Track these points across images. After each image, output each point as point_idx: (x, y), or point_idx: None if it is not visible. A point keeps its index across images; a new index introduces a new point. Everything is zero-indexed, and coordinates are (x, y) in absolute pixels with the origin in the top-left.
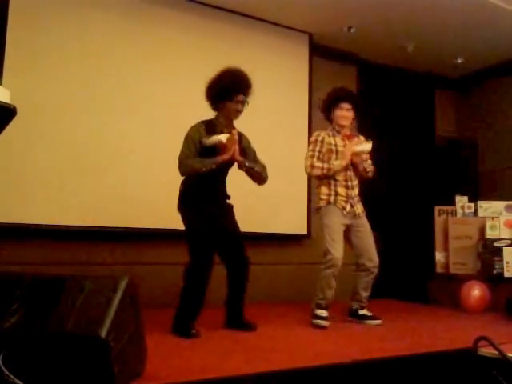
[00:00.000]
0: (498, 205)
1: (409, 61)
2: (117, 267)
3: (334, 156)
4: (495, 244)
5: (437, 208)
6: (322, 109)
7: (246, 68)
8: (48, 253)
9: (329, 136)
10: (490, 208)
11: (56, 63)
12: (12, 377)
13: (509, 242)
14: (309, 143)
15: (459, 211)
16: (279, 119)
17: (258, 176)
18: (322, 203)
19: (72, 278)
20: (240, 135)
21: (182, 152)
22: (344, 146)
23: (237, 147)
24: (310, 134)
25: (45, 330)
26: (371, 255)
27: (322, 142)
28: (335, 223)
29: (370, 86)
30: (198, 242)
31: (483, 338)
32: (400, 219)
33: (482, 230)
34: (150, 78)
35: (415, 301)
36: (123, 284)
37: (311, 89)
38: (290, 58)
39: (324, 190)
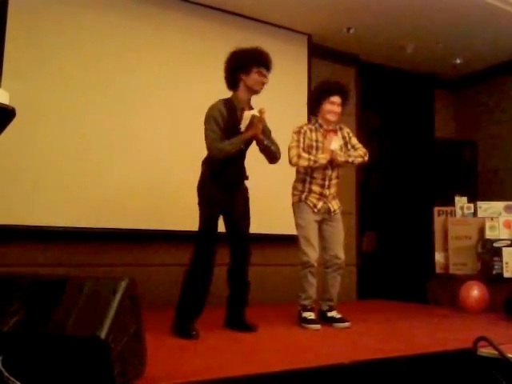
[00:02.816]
0: (498, 205)
1: (408, 62)
2: (117, 268)
3: (313, 151)
4: (494, 244)
5: (436, 208)
6: (310, 100)
7: None
8: (48, 254)
9: (311, 131)
10: (490, 208)
11: (55, 64)
12: (12, 378)
13: (508, 242)
14: (292, 134)
15: (458, 212)
16: (278, 120)
17: (273, 155)
18: (294, 199)
19: (72, 278)
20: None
21: (208, 136)
22: (323, 143)
23: (261, 126)
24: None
25: (45, 330)
26: (338, 252)
27: (305, 135)
28: (308, 222)
29: (369, 86)
30: (205, 233)
31: (483, 338)
32: (400, 220)
33: (482, 231)
34: (150, 79)
35: (415, 301)
36: (123, 285)
37: (310, 90)
38: (289, 59)
39: (298, 186)
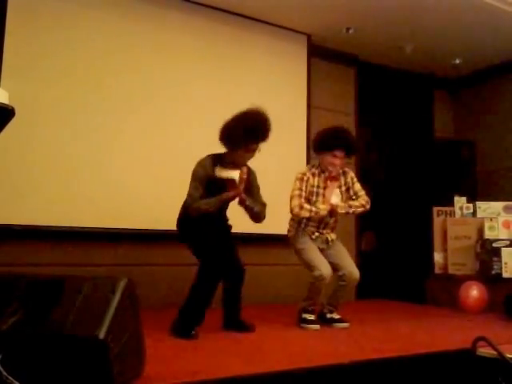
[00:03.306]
0: (497, 205)
1: (407, 62)
2: (116, 268)
3: (314, 198)
4: (494, 244)
5: (435, 208)
6: (313, 144)
7: (244, 69)
8: (47, 254)
9: (313, 175)
10: (489, 209)
11: (55, 64)
12: (10, 378)
13: (507, 242)
14: (295, 180)
15: (458, 212)
16: (277, 121)
17: (256, 216)
18: (291, 234)
19: (71, 278)
20: (248, 169)
21: (190, 195)
22: (325, 188)
23: (242, 186)
24: (308, 136)
25: (43, 330)
26: (351, 269)
27: (307, 182)
28: (309, 244)
29: (368, 86)
30: (209, 251)
31: (482, 338)
32: (399, 220)
33: (481, 231)
34: (151, 78)
35: (414, 301)
36: (122, 285)
37: (310, 90)
38: (288, 60)
39: (294, 224)
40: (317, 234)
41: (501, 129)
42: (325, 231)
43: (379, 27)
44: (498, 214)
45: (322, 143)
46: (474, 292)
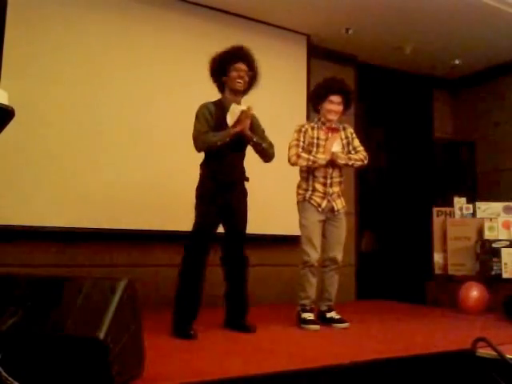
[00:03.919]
0: (496, 206)
1: (407, 62)
2: (116, 269)
3: (314, 149)
4: (493, 245)
5: (435, 209)
6: (311, 98)
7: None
8: (47, 254)
9: (312, 129)
10: (488, 209)
11: (54, 64)
12: (10, 378)
13: (507, 243)
14: (294, 132)
15: (457, 212)
16: (277, 121)
17: (265, 152)
18: (299, 198)
19: (71, 279)
20: (250, 108)
21: (195, 129)
22: (326, 140)
23: (248, 121)
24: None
25: (43, 331)
26: (337, 254)
27: (305, 133)
28: (311, 222)
29: (368, 87)
30: (196, 231)
31: (482, 339)
32: (398, 220)
33: (480, 231)
34: (151, 78)
35: (413, 302)
36: (122, 285)
37: (309, 90)
38: (288, 60)
39: (302, 184)
40: (325, 203)
41: (501, 129)
42: (332, 190)
43: (379, 28)
44: (498, 215)
45: (317, 94)
46: (473, 292)
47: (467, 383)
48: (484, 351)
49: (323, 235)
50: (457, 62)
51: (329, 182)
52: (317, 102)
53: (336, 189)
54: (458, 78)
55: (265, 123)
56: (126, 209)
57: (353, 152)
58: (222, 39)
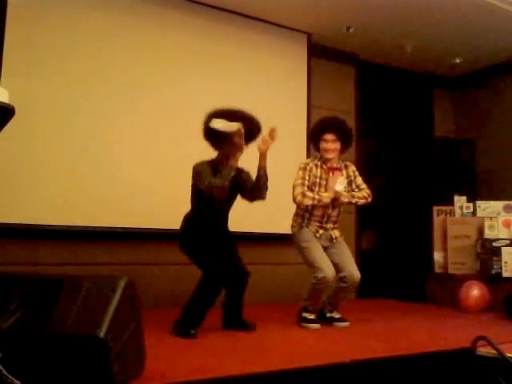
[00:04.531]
0: (497, 205)
1: (407, 61)
2: (116, 267)
3: (316, 189)
4: (494, 244)
5: (435, 208)
6: (310, 139)
7: (244, 68)
8: (47, 253)
9: (316, 167)
10: (489, 208)
11: (55, 63)
12: (11, 377)
13: (507, 241)
14: (298, 169)
15: (458, 211)
16: (277, 120)
17: (264, 187)
18: (294, 230)
19: (71, 277)
20: (240, 170)
21: (202, 182)
22: (327, 180)
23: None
24: (308, 135)
25: (44, 329)
26: (352, 271)
27: (310, 171)
28: (312, 244)
29: (368, 85)
30: (211, 261)
31: (482, 337)
32: (399, 219)
33: (481, 230)
34: (151, 77)
35: (413, 300)
36: (122, 284)
37: (310, 89)
38: (288, 58)
39: (297, 219)
40: (321, 231)
41: (501, 128)
42: (328, 226)
43: (379, 26)
44: (498, 214)
45: (312, 135)
46: (474, 291)
47: (467, 382)
48: (484, 350)
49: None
50: (457, 60)
51: (325, 220)
52: (315, 141)
53: (330, 225)
54: (458, 77)
55: (265, 122)
56: (127, 207)
57: (356, 190)
58: (223, 38)
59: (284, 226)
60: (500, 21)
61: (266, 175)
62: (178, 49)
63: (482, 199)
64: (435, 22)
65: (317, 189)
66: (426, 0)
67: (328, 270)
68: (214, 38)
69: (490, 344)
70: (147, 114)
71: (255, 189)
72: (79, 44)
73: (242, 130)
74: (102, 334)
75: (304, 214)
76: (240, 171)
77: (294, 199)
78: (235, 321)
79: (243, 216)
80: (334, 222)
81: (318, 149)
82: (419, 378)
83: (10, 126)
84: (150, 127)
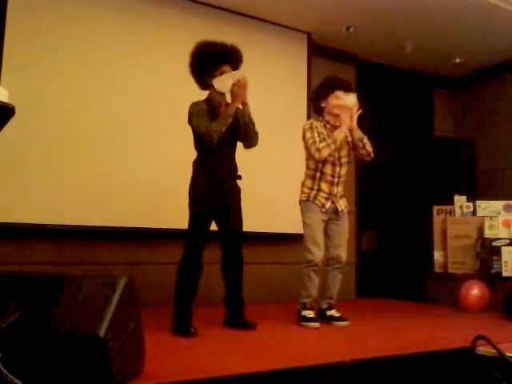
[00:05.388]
0: (497, 204)
1: (407, 61)
2: (116, 267)
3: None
4: (493, 243)
5: (435, 207)
6: (314, 97)
7: (244, 68)
8: (47, 252)
9: (321, 126)
10: (489, 207)
11: (54, 62)
12: (11, 376)
13: (507, 241)
14: (305, 131)
15: (458, 211)
16: (277, 119)
17: (253, 135)
18: (303, 197)
19: (71, 277)
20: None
21: (198, 125)
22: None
23: (244, 92)
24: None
25: (44, 328)
26: (340, 252)
27: (316, 129)
28: (315, 222)
29: (368, 85)
30: (191, 231)
31: (481, 337)
32: (398, 218)
33: (481, 230)
34: (151, 76)
35: (413, 300)
36: (122, 283)
37: (310, 89)
38: (288, 58)
39: (308, 183)
40: (328, 204)
41: (501, 128)
42: (337, 190)
43: (379, 26)
44: (498, 213)
45: (322, 90)
46: (474, 291)
47: (467, 381)
48: (484, 349)
49: (326, 234)
50: (457, 60)
51: (336, 180)
52: (321, 99)
53: (340, 188)
54: (458, 77)
55: (265, 121)
56: (126, 206)
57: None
58: (222, 37)
59: (283, 226)
60: (500, 20)
61: (252, 121)
62: (177, 48)
63: (481, 199)
64: (435, 22)
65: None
66: (426, 0)
67: (317, 253)
68: (213, 37)
69: (490, 343)
70: (149, 111)
71: (245, 139)
72: (80, 42)
73: (243, 81)
74: (101, 333)
75: (315, 173)
76: (239, 112)
77: (314, 157)
78: (236, 320)
79: (244, 215)
80: (343, 183)
81: (320, 108)
82: (419, 377)
83: (9, 125)
84: (152, 125)
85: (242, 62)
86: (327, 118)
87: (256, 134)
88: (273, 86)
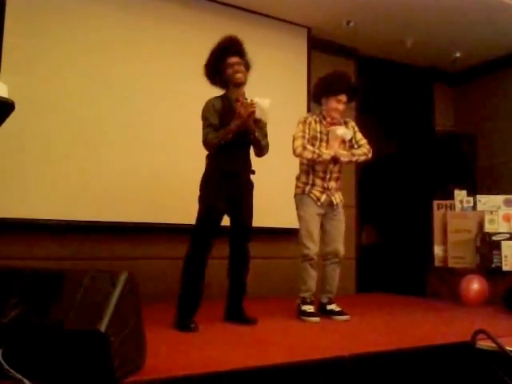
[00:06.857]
0: (497, 199)
1: (407, 55)
2: (117, 262)
3: (317, 143)
4: (494, 238)
5: (435, 202)
6: (316, 92)
7: None
8: (48, 247)
9: (315, 122)
10: (489, 202)
11: (54, 58)
12: (12, 371)
13: (507, 235)
14: (298, 123)
15: (458, 205)
16: (277, 114)
17: (260, 151)
18: (298, 191)
19: (71, 272)
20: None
21: (203, 133)
22: (327, 135)
23: (248, 112)
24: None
25: (44, 323)
26: (338, 246)
27: (310, 125)
28: (310, 215)
29: (368, 80)
30: (200, 226)
31: (481, 331)
32: (399, 213)
33: (481, 224)
34: (151, 71)
35: (413, 294)
36: (123, 278)
37: (310, 83)
38: (288, 53)
39: (302, 177)
40: (323, 197)
41: (501, 122)
42: (331, 184)
43: (379, 20)
44: (498, 208)
45: (326, 87)
46: (474, 285)
47: (467, 375)
48: (484, 343)
49: (322, 230)
50: (458, 54)
51: (328, 176)
52: (323, 96)
53: (334, 184)
54: (458, 72)
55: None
56: (127, 201)
57: (356, 146)
58: (222, 32)
59: (283, 221)
60: (500, 15)
61: (258, 139)
62: (177, 43)
63: (482, 193)
64: (435, 16)
65: (317, 143)
66: None
67: (312, 247)
68: (214, 32)
69: (490, 337)
70: (149, 107)
71: (254, 148)
72: (79, 39)
73: (248, 103)
74: (102, 328)
75: (308, 169)
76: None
77: (294, 151)
78: (237, 315)
79: None
80: (337, 179)
81: (320, 102)
82: (419, 371)
83: (9, 120)
84: (152, 121)
85: (243, 48)
86: (324, 113)
87: (266, 146)
88: (273, 80)
